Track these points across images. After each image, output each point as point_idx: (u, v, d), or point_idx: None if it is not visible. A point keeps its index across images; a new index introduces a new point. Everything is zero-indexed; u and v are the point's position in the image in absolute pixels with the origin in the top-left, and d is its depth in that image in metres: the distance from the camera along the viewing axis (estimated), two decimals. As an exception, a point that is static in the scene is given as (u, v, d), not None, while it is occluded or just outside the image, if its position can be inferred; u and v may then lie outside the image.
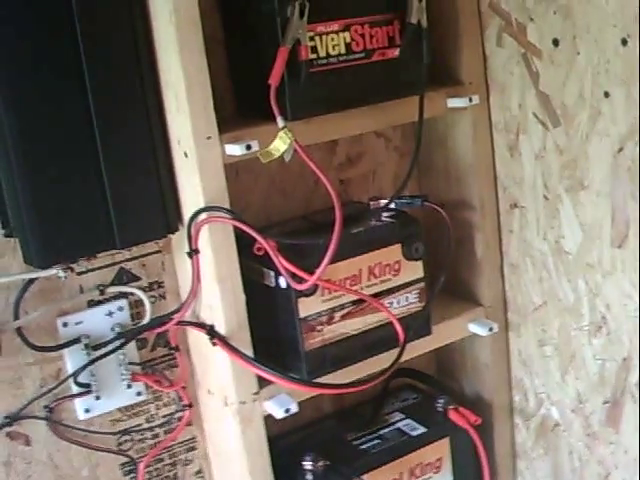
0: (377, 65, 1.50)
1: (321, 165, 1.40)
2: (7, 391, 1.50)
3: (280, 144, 1.36)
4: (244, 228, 1.40)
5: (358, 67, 1.48)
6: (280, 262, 1.40)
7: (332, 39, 1.44)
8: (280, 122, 1.36)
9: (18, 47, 1.29)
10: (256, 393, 1.50)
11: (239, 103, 1.57)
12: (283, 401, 1.50)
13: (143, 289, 1.58)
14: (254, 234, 1.40)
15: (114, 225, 1.40)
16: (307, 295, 1.48)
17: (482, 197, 1.70)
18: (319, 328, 1.51)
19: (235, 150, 1.37)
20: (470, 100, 1.60)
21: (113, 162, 1.38)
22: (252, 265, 1.49)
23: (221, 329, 1.46)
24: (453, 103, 1.61)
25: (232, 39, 1.54)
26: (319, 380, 1.52)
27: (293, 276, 1.42)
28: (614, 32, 1.37)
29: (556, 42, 1.49)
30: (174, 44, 1.33)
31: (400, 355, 1.52)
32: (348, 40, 1.46)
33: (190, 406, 1.64)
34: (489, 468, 1.68)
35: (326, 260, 1.36)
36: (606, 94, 1.42)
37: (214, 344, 1.46)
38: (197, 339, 1.56)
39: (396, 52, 1.51)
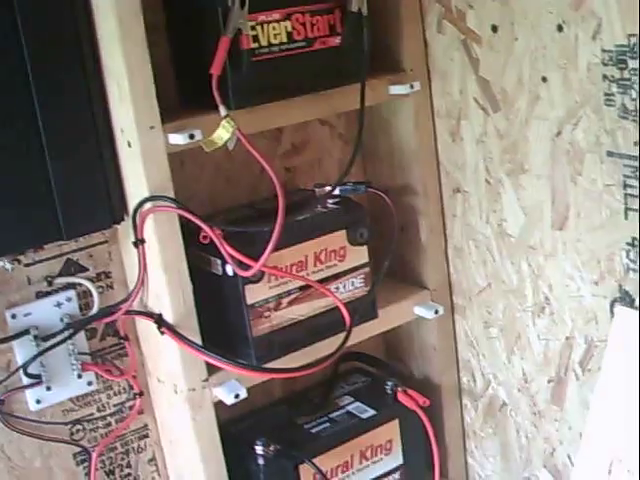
0: (319, 53, 1.52)
1: (266, 153, 1.42)
2: (-43, 384, 1.50)
3: (223, 133, 1.38)
4: (189, 217, 1.41)
5: (300, 55, 1.49)
6: (225, 249, 1.42)
7: (273, 28, 1.45)
8: (222, 111, 1.38)
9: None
10: (205, 380, 1.51)
11: (182, 92, 1.57)
12: (232, 387, 1.51)
13: (91, 279, 1.58)
14: (199, 222, 1.41)
15: (59, 216, 1.40)
16: (254, 282, 1.49)
17: (425, 182, 1.73)
18: (267, 314, 1.53)
19: (178, 139, 1.38)
20: (411, 87, 1.62)
21: (57, 152, 1.38)
22: (199, 253, 1.50)
23: (169, 318, 1.46)
24: (395, 90, 1.63)
25: (174, 29, 1.54)
26: (268, 365, 1.53)
27: (239, 263, 1.44)
28: (550, 18, 1.40)
29: (495, 28, 1.51)
30: (116, 33, 1.34)
31: (346, 339, 1.54)
32: (289, 29, 1.47)
33: (141, 394, 1.64)
34: (439, 448, 1.70)
35: (270, 246, 1.38)
36: (544, 79, 1.45)
37: (162, 333, 1.47)
38: (146, 328, 1.57)
39: (337, 40, 1.53)
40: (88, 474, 1.64)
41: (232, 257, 1.43)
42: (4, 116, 1.34)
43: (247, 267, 1.44)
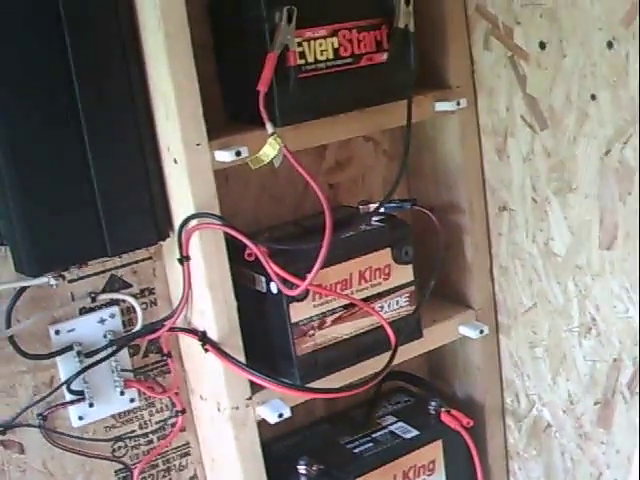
0: (365, 70, 1.50)
1: (310, 170, 1.41)
2: (0, 400, 1.50)
3: (269, 150, 1.37)
4: (235, 234, 1.40)
5: (346, 72, 1.48)
6: (271, 268, 1.41)
7: (320, 44, 1.45)
8: (269, 128, 1.37)
9: (9, 58, 1.30)
10: (249, 398, 1.50)
11: (228, 109, 1.57)
12: (276, 406, 1.50)
13: (135, 296, 1.58)
14: (244, 240, 1.40)
15: (105, 232, 1.40)
16: (298, 300, 1.48)
17: (471, 200, 1.71)
18: (311, 333, 1.51)
19: (225, 156, 1.38)
20: (458, 104, 1.61)
21: (103, 170, 1.38)
22: (243, 271, 1.50)
23: (213, 335, 1.46)
24: (441, 107, 1.62)
25: (221, 45, 1.54)
26: (312, 385, 1.52)
27: (284, 281, 1.43)
28: (600, 35, 1.38)
29: (543, 45, 1.50)
30: (162, 52, 1.34)
31: (392, 359, 1.52)
32: (336, 45, 1.46)
33: (183, 412, 1.64)
34: (482, 470, 1.68)
35: (317, 265, 1.37)
36: (593, 97, 1.43)
37: (206, 350, 1.46)
38: (189, 345, 1.56)
39: (384, 56, 1.51)
40: (129, 491, 1.64)
41: (277, 275, 1.42)
42: (51, 134, 1.35)
43: (292, 285, 1.43)
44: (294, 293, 1.43)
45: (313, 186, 1.36)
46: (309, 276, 1.39)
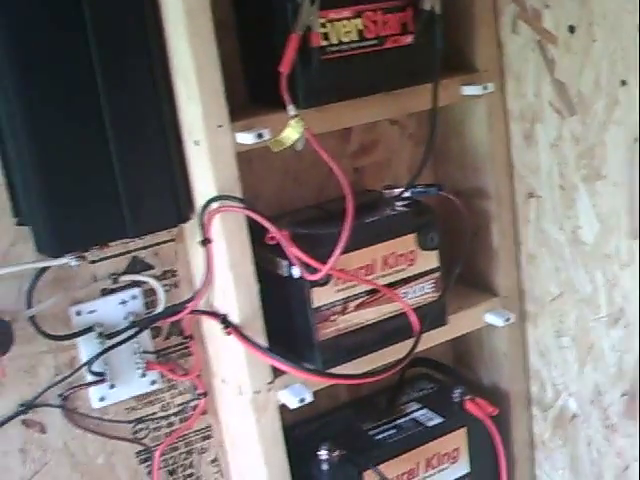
0: (390, 52, 1.48)
1: (334, 153, 1.40)
2: (22, 379, 1.50)
3: (291, 133, 1.36)
4: (256, 217, 1.39)
5: (371, 54, 1.46)
6: (292, 251, 1.40)
7: (344, 26, 1.43)
8: (291, 110, 1.35)
9: (30, 34, 1.29)
10: (270, 382, 1.49)
11: (250, 90, 1.56)
12: (298, 390, 1.49)
13: (156, 277, 1.58)
14: (266, 223, 1.39)
15: (126, 214, 1.40)
16: (321, 285, 1.47)
17: (498, 186, 1.69)
18: (333, 318, 1.50)
19: (246, 139, 1.36)
20: (485, 88, 1.58)
21: (124, 150, 1.37)
22: (265, 254, 1.49)
23: (235, 318, 1.45)
24: (468, 91, 1.59)
25: (243, 25, 1.53)
26: (333, 370, 1.51)
27: (306, 266, 1.41)
28: (631, 19, 1.35)
29: (572, 29, 1.47)
30: (184, 30, 1.32)
31: (415, 346, 1.51)
32: (360, 27, 1.44)
33: (205, 395, 1.63)
34: (506, 459, 1.67)
35: (338, 250, 1.36)
36: (623, 82, 1.40)
37: (228, 333, 1.45)
38: (211, 328, 1.56)
39: (409, 39, 1.49)
40: (150, 473, 1.64)
41: (299, 259, 1.40)
42: (72, 113, 1.34)
43: (314, 270, 1.41)
44: (315, 277, 1.42)
45: (335, 169, 1.35)
46: (330, 260, 1.37)
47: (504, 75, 1.64)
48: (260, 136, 1.36)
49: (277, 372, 1.49)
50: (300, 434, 1.66)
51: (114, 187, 1.38)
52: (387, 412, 1.73)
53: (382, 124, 1.76)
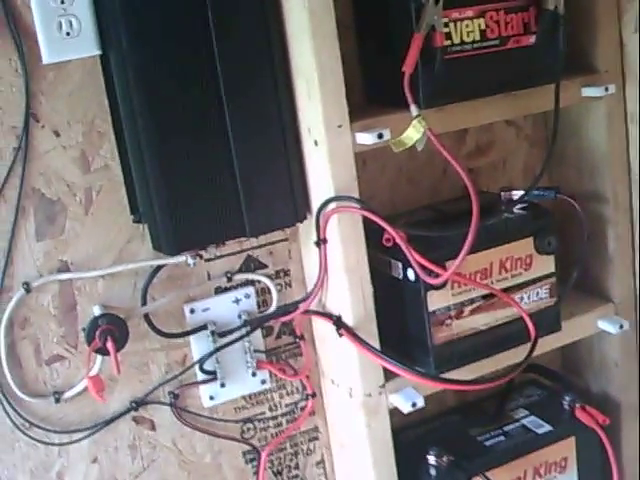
0: (512, 52, 1.46)
1: (450, 152, 1.37)
2: (134, 376, 1.52)
3: (413, 133, 1.34)
4: (374, 218, 1.38)
5: (492, 54, 1.45)
6: (412, 255, 1.37)
7: (467, 25, 1.41)
8: (414, 110, 1.34)
9: (152, 36, 1.31)
10: (382, 386, 1.48)
11: (367, 90, 1.55)
12: (409, 395, 1.47)
13: (270, 277, 1.58)
14: (384, 225, 1.38)
15: (244, 213, 1.40)
16: (437, 288, 1.45)
17: (615, 190, 1.65)
18: (448, 322, 1.48)
19: (366, 139, 1.35)
20: (606, 89, 1.55)
21: (244, 150, 1.38)
22: (379, 256, 1.48)
23: (348, 320, 1.44)
24: (588, 92, 1.56)
25: (363, 24, 1.52)
26: (446, 375, 1.49)
27: (424, 269, 1.39)
28: None
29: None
30: (307, 30, 1.32)
31: (531, 352, 1.47)
32: (483, 27, 1.43)
33: (314, 396, 1.63)
34: (618, 471, 1.62)
35: (463, 254, 1.33)
36: None
37: (340, 335, 1.44)
38: (322, 329, 1.55)
39: (532, 39, 1.47)
40: (257, 473, 1.64)
41: (418, 263, 1.38)
42: (194, 112, 1.35)
43: (432, 273, 1.39)
44: (436, 282, 1.40)
45: (459, 171, 1.33)
46: (453, 265, 1.35)
47: (625, 76, 1.60)
48: (381, 136, 1.35)
49: (389, 375, 1.48)
50: (407, 438, 1.65)
51: (233, 186, 1.39)
52: (495, 418, 1.71)
53: (498, 125, 1.73)
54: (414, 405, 1.46)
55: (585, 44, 1.59)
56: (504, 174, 1.77)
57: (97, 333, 1.41)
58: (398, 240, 1.38)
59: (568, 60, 1.52)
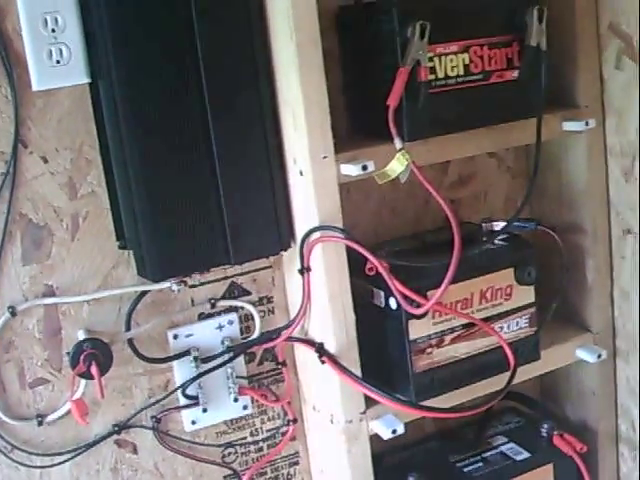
0: (495, 87, 1.49)
1: (432, 185, 1.39)
2: (117, 400, 1.53)
3: (397, 165, 1.36)
4: (357, 248, 1.40)
5: (476, 88, 1.47)
6: (394, 285, 1.39)
7: (451, 60, 1.44)
8: (398, 144, 1.36)
9: (141, 66, 1.33)
10: (363, 412, 1.49)
11: (351, 121, 1.57)
12: (390, 421, 1.49)
13: (253, 304, 1.59)
14: (367, 254, 1.40)
15: (229, 241, 1.41)
16: (418, 317, 1.47)
17: (595, 222, 1.68)
18: (429, 351, 1.50)
19: (351, 170, 1.37)
20: (587, 124, 1.58)
21: (230, 180, 1.40)
22: (361, 284, 1.49)
23: (330, 347, 1.46)
24: (569, 127, 1.59)
25: (348, 57, 1.54)
26: (426, 403, 1.50)
27: (406, 298, 1.41)
28: None
29: (679, 66, 1.46)
30: (294, 63, 1.34)
31: (510, 380, 1.49)
32: (467, 61, 1.45)
33: (295, 421, 1.65)
34: (594, 498, 1.65)
35: (445, 284, 1.35)
36: None
37: (323, 362, 1.46)
38: (304, 355, 1.57)
39: (514, 74, 1.50)
40: (238, 497, 1.65)
41: (400, 293, 1.40)
42: (180, 141, 1.37)
43: (414, 302, 1.41)
44: (418, 312, 1.41)
45: (441, 203, 1.35)
46: (435, 295, 1.37)
47: (605, 111, 1.63)
48: (365, 168, 1.37)
49: (370, 402, 1.49)
50: (388, 463, 1.66)
51: (219, 214, 1.40)
52: (474, 445, 1.73)
53: (480, 156, 1.76)
54: (394, 432, 1.48)
55: (566, 79, 1.62)
56: (485, 205, 1.79)
57: (82, 357, 1.42)
58: (381, 270, 1.40)
59: (549, 94, 1.54)
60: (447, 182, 1.74)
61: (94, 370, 1.41)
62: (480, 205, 1.79)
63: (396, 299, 1.42)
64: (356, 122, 1.56)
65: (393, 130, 1.36)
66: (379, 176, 1.38)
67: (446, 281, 1.35)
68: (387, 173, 1.38)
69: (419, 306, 1.40)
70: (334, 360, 1.45)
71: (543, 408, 1.83)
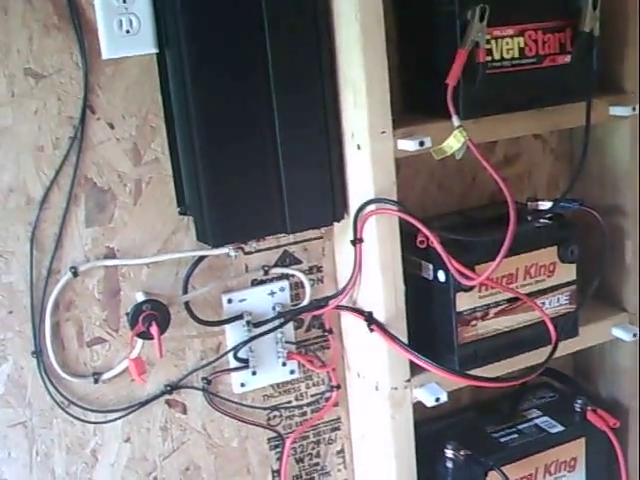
0: (547, 70, 1.53)
1: (489, 162, 1.43)
2: (170, 361, 1.58)
3: (454, 142, 1.40)
4: (412, 221, 1.44)
5: (529, 71, 1.51)
6: (448, 258, 1.44)
7: (507, 43, 1.48)
8: (456, 121, 1.40)
9: (208, 38, 1.37)
10: (408, 380, 1.54)
11: (407, 99, 1.60)
12: (433, 390, 1.54)
13: (304, 272, 1.64)
14: (421, 226, 1.44)
15: (286, 210, 1.46)
16: (465, 290, 1.51)
17: (636, 204, 1.72)
18: (473, 323, 1.55)
19: (408, 145, 1.42)
20: (633, 109, 1.61)
21: (290, 151, 1.44)
22: (410, 257, 1.54)
23: (380, 317, 1.50)
24: (615, 111, 1.62)
25: (406, 37, 1.58)
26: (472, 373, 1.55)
27: (457, 271, 1.45)
28: None
29: None
30: (357, 42, 1.39)
31: (552, 354, 1.53)
32: (522, 45, 1.49)
33: (338, 387, 1.69)
34: (627, 472, 1.69)
35: (499, 259, 1.40)
36: None
37: (372, 330, 1.51)
38: (351, 323, 1.62)
39: (567, 58, 1.53)
40: (280, 459, 1.70)
41: (453, 266, 1.44)
42: (246, 113, 1.41)
43: (465, 276, 1.46)
44: (470, 284, 1.46)
45: (498, 180, 1.39)
46: (489, 268, 1.41)
47: (651, 97, 1.67)
48: (422, 144, 1.41)
49: (414, 370, 1.54)
50: (426, 432, 1.69)
51: (277, 184, 1.45)
52: (509, 417, 1.77)
53: (526, 137, 1.80)
54: (437, 400, 1.52)
55: (615, 65, 1.66)
56: (529, 185, 1.84)
57: (140, 318, 1.47)
58: (435, 242, 1.44)
59: (597, 79, 1.59)
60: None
61: (154, 330, 1.46)
62: (524, 185, 1.83)
63: (447, 272, 1.47)
64: (411, 100, 1.60)
65: (452, 108, 1.40)
66: (436, 152, 1.42)
67: (500, 256, 1.39)
68: (444, 149, 1.42)
69: (470, 279, 1.45)
70: (383, 328, 1.50)
71: (576, 384, 1.88)
